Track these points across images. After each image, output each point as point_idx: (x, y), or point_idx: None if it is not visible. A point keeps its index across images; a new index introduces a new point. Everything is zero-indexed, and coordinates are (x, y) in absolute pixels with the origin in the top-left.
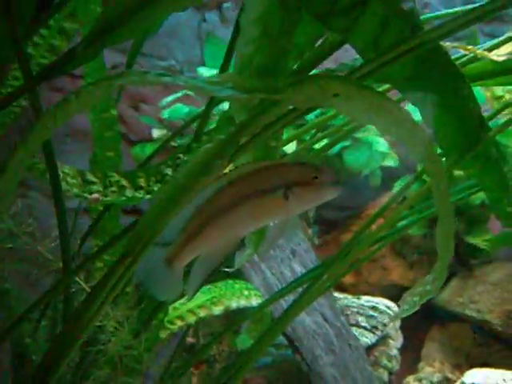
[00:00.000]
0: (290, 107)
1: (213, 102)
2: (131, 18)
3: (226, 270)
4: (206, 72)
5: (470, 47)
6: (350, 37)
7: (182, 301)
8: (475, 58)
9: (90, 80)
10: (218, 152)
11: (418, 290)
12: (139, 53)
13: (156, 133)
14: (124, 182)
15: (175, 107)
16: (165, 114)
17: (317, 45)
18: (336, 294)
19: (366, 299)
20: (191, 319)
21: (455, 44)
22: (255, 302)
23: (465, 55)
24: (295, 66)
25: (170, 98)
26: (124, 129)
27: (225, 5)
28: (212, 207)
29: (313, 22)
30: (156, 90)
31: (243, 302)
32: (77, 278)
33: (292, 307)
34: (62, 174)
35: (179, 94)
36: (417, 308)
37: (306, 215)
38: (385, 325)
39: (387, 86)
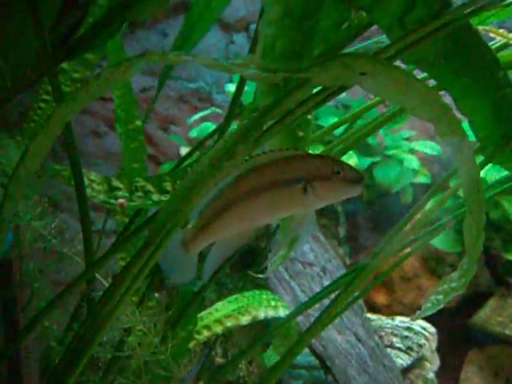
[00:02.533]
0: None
1: (232, 112)
2: None
3: (260, 275)
4: (234, 88)
5: (501, 31)
6: (375, 14)
7: (208, 310)
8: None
9: (118, 93)
10: (242, 136)
11: (442, 288)
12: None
13: (184, 151)
14: (150, 187)
15: (203, 126)
16: (193, 133)
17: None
18: (369, 315)
19: (400, 320)
20: (218, 329)
21: (487, 28)
22: (283, 312)
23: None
24: (320, 50)
25: (197, 116)
26: (153, 150)
27: (252, 26)
28: (230, 194)
29: (337, 4)
30: (185, 111)
31: (271, 313)
32: (97, 275)
33: (320, 318)
34: (87, 181)
35: (207, 112)
36: (440, 306)
37: (337, 234)
38: (420, 346)
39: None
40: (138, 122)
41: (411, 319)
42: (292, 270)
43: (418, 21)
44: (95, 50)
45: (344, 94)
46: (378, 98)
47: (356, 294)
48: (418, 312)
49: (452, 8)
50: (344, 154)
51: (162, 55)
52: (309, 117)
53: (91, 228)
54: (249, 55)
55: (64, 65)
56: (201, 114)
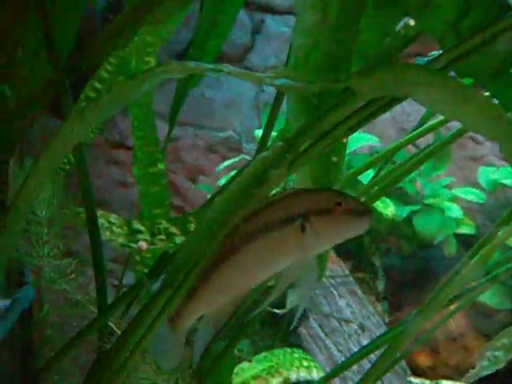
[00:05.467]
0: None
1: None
2: None
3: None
4: None
5: None
6: (426, 19)
7: (235, 369)
8: None
9: (139, 133)
10: (274, 160)
11: (500, 343)
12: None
13: None
14: (173, 229)
15: (232, 175)
16: (222, 182)
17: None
18: (412, 379)
19: None
20: None
21: None
22: (316, 374)
23: None
24: (358, 68)
25: (226, 163)
26: (180, 201)
27: None
28: (216, 252)
29: (379, 13)
30: (214, 161)
31: (303, 374)
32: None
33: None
34: (107, 224)
35: (236, 159)
36: (500, 365)
37: (375, 289)
38: None
39: None
40: (161, 165)
41: (464, 380)
42: (327, 327)
43: (474, 27)
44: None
45: (377, 142)
46: (407, 138)
47: (397, 355)
48: (473, 371)
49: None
50: (378, 198)
51: (180, 65)
52: (344, 140)
53: (105, 272)
54: (280, 67)
55: None
56: (230, 161)
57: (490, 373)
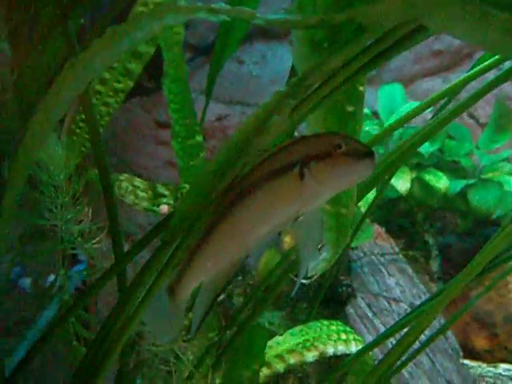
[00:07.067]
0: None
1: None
2: None
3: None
4: None
5: None
6: None
7: (268, 344)
8: None
9: (175, 106)
10: (277, 106)
11: None
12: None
13: None
14: None
15: None
16: None
17: None
18: (467, 362)
19: (504, 368)
20: (279, 366)
21: None
22: (355, 348)
23: None
24: None
25: None
26: None
27: None
28: (214, 210)
29: None
30: None
31: (341, 348)
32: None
33: (398, 345)
34: (131, 187)
35: None
36: None
37: (428, 268)
38: None
39: None
40: (199, 138)
41: None
42: (376, 306)
43: None
44: None
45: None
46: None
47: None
48: None
49: None
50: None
51: (172, 5)
52: (360, 88)
53: (119, 222)
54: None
55: None
56: None
57: None
